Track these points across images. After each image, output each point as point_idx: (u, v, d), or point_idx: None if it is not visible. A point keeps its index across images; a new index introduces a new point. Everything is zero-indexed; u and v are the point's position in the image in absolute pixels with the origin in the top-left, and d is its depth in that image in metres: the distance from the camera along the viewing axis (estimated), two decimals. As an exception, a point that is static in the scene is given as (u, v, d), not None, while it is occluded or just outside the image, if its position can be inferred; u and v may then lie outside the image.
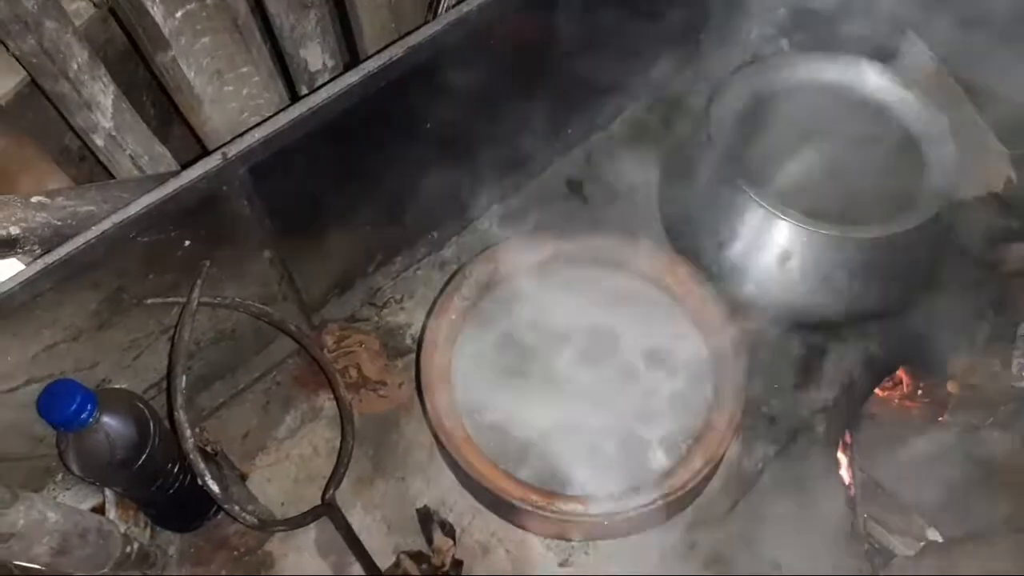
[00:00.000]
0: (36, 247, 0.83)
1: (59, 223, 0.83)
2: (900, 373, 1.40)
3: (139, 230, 0.83)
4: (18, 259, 0.89)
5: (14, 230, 0.80)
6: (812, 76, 1.27)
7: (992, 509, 1.24)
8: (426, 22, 0.98)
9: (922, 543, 1.26)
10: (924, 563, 1.21)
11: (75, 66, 0.90)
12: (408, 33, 0.95)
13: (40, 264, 0.78)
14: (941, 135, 1.17)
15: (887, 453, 1.33)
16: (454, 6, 1.00)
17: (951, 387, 1.37)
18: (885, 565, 1.25)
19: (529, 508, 0.97)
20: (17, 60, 0.89)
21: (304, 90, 1.18)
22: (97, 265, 0.83)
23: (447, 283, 1.17)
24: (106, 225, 0.80)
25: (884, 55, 1.27)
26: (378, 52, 0.92)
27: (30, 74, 0.92)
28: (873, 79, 1.25)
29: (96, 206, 0.85)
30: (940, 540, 1.26)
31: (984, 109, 1.33)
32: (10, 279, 0.77)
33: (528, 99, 1.22)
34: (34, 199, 0.82)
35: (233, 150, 0.86)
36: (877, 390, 1.34)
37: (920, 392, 1.40)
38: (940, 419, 1.38)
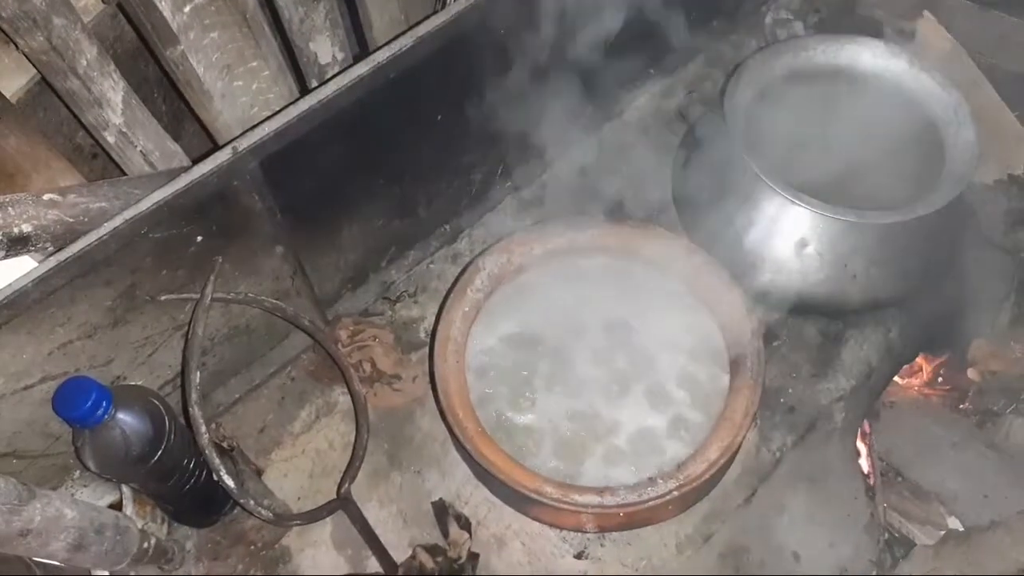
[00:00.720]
0: (48, 244, 0.83)
1: (71, 220, 0.83)
2: (920, 360, 1.39)
3: (151, 226, 0.83)
4: (30, 257, 0.89)
5: (26, 228, 0.81)
6: (828, 60, 1.25)
7: (1013, 497, 1.23)
8: (435, 12, 0.98)
9: (942, 532, 1.26)
10: (944, 552, 1.20)
11: (84, 63, 0.90)
12: (417, 24, 0.94)
13: (53, 261, 0.78)
14: (961, 118, 1.15)
15: (907, 442, 1.33)
16: (462, -5, 0.99)
17: (972, 374, 1.36)
18: (905, 555, 1.25)
19: (544, 500, 0.97)
20: (27, 58, 0.89)
21: (314, 83, 1.18)
22: (110, 262, 0.83)
23: (460, 275, 1.16)
24: (118, 222, 0.80)
25: (901, 37, 1.25)
26: (387, 43, 0.92)
27: (40, 72, 0.92)
28: (891, 62, 1.23)
29: (108, 203, 0.85)
30: (961, 529, 1.25)
31: (1004, 90, 1.31)
32: (23, 276, 0.77)
33: (539, 88, 1.21)
34: (46, 196, 0.82)
35: (243, 144, 0.86)
36: (896, 378, 1.33)
37: (940, 379, 1.39)
38: (961, 406, 1.37)
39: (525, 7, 1.05)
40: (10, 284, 0.77)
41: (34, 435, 0.95)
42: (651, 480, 0.98)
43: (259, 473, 1.15)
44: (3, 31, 0.85)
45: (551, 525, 1.09)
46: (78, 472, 1.05)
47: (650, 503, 0.97)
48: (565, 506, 0.97)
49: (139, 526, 0.97)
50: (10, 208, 0.79)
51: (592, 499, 0.97)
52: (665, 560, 1.08)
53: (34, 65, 0.90)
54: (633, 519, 1.07)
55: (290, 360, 1.24)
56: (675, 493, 0.97)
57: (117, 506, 1.01)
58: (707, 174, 1.26)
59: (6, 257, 0.80)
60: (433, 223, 1.30)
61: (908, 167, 1.18)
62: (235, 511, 1.11)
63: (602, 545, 1.09)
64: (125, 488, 1.03)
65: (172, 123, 1.19)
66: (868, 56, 1.24)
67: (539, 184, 1.39)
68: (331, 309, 1.24)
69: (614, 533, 1.10)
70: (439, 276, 1.32)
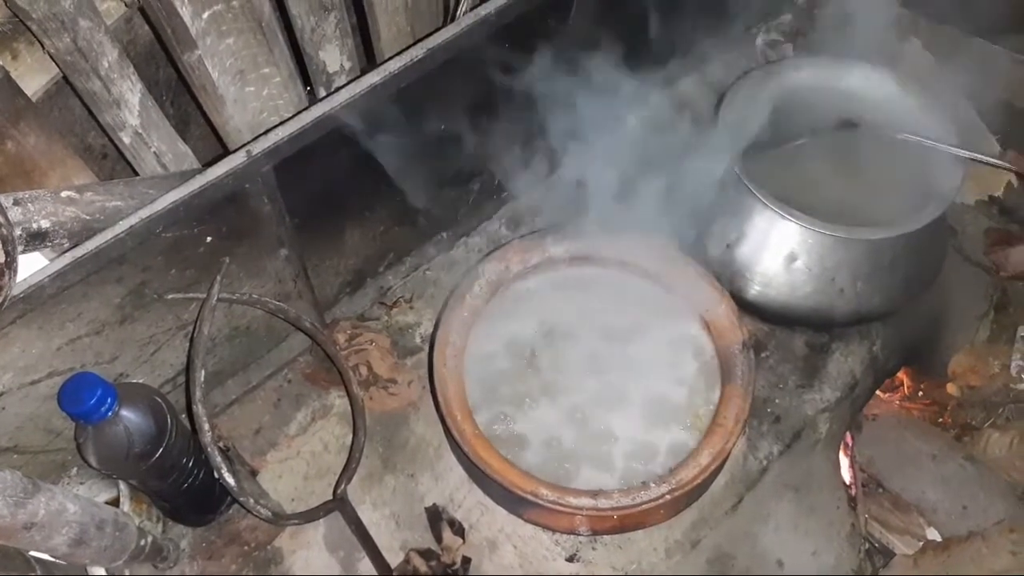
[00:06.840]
0: (64, 241, 0.84)
1: (88, 217, 0.84)
2: (901, 375, 1.42)
3: (165, 225, 0.85)
4: (42, 254, 0.90)
5: (44, 223, 0.82)
6: (818, 80, 1.28)
7: (990, 509, 1.26)
8: (443, 25, 1.00)
9: (921, 542, 1.28)
10: (923, 562, 1.23)
11: (106, 64, 0.91)
12: (426, 36, 0.97)
13: (70, 257, 0.79)
14: (945, 139, 1.19)
15: (888, 454, 1.35)
16: (471, 9, 1.01)
17: (951, 388, 1.39)
18: (885, 564, 1.28)
19: (540, 501, 0.98)
20: (52, 58, 0.90)
21: (322, 91, 1.19)
22: (123, 259, 0.84)
23: (460, 281, 1.18)
24: (134, 220, 0.81)
25: (888, 59, 1.29)
26: (398, 54, 0.94)
27: (63, 72, 0.93)
28: (879, 83, 1.27)
29: (123, 202, 0.86)
30: (939, 539, 1.28)
31: (985, 115, 1.36)
32: (40, 271, 0.78)
33: (539, 100, 1.23)
34: (63, 194, 0.83)
35: (257, 148, 0.87)
36: (878, 392, 1.36)
37: (921, 394, 1.43)
38: (940, 420, 1.40)
39: (530, 22, 1.08)
40: (26, 279, 0.78)
41: (36, 431, 0.95)
42: (644, 484, 1.01)
43: (254, 474, 1.15)
44: (31, 31, 0.86)
45: (545, 527, 1.11)
46: (75, 469, 1.05)
47: (642, 506, 0.99)
48: (560, 508, 0.99)
49: (136, 524, 0.98)
50: (30, 204, 0.80)
51: (586, 501, 0.99)
52: (654, 564, 1.10)
53: (58, 65, 0.91)
54: (625, 522, 1.09)
55: (287, 363, 1.25)
56: (667, 497, 0.99)
57: (114, 504, 1.02)
58: (700, 188, 1.29)
59: (24, 252, 0.80)
60: (431, 230, 1.32)
61: (894, 185, 1.22)
62: (230, 511, 1.12)
63: (593, 549, 1.11)
64: (123, 485, 1.03)
65: (179, 126, 1.20)
66: (856, 77, 1.28)
67: (536, 195, 1.41)
68: (329, 313, 1.25)
69: (605, 537, 1.11)
70: (435, 283, 1.33)
